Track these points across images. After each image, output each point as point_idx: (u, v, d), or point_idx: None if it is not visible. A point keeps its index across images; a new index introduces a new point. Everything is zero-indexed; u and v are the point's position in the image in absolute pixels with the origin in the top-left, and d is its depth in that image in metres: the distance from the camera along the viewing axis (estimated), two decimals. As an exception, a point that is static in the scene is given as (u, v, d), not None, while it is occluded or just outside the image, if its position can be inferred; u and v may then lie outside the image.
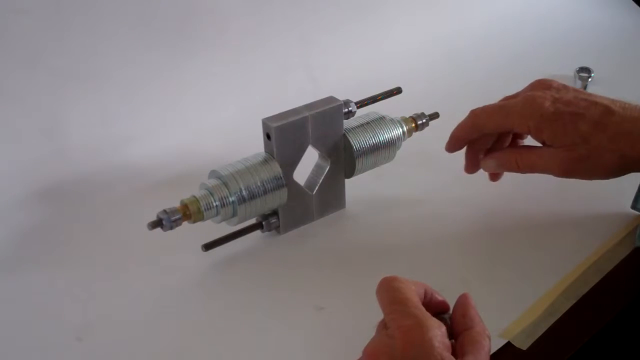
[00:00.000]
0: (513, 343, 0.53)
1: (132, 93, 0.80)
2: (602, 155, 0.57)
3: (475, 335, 0.45)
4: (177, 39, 0.83)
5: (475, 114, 0.62)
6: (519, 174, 0.63)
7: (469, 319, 0.46)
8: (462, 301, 0.47)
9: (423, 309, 0.44)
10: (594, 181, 0.60)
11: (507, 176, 0.66)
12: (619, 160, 0.57)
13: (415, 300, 0.45)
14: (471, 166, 0.66)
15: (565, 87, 0.61)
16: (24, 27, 0.73)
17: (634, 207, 0.65)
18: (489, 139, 0.65)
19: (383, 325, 0.46)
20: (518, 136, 0.65)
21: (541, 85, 0.62)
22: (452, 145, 0.65)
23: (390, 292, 0.45)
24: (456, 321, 0.46)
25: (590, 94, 0.60)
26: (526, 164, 0.61)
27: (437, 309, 0.47)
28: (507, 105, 0.61)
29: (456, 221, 0.65)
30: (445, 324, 0.44)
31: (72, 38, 0.76)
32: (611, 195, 0.67)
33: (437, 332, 0.42)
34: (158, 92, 0.81)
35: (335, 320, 0.57)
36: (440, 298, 0.48)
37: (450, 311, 0.48)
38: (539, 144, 0.60)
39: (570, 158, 0.58)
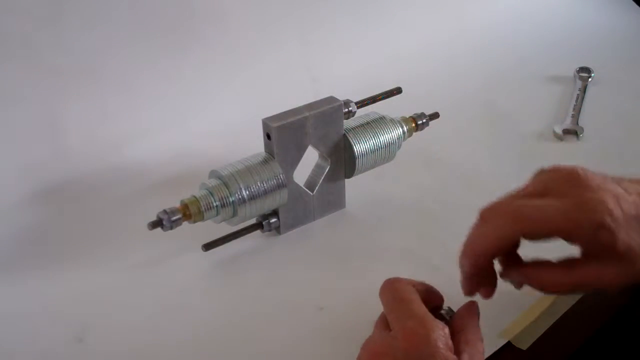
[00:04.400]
0: (513, 343, 0.53)
1: (132, 93, 0.80)
2: None
3: (470, 336, 0.46)
4: (177, 39, 0.83)
5: (515, 216, 0.46)
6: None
7: (467, 320, 0.47)
8: (468, 305, 0.49)
9: (425, 309, 0.45)
10: None
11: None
12: None
13: (418, 300, 0.46)
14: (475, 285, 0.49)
15: (610, 178, 0.46)
16: (24, 27, 0.73)
17: None
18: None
19: (383, 324, 0.46)
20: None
21: (584, 181, 0.45)
22: (473, 266, 0.47)
23: (392, 293, 0.47)
24: (455, 321, 0.48)
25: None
26: (574, 283, 0.46)
27: (434, 302, 0.49)
28: (549, 207, 0.45)
29: (456, 221, 0.64)
30: (443, 320, 0.46)
31: (72, 38, 0.76)
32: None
33: (441, 333, 0.43)
34: (158, 92, 0.81)
35: (335, 320, 0.56)
36: (434, 290, 0.50)
37: (447, 308, 0.49)
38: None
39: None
